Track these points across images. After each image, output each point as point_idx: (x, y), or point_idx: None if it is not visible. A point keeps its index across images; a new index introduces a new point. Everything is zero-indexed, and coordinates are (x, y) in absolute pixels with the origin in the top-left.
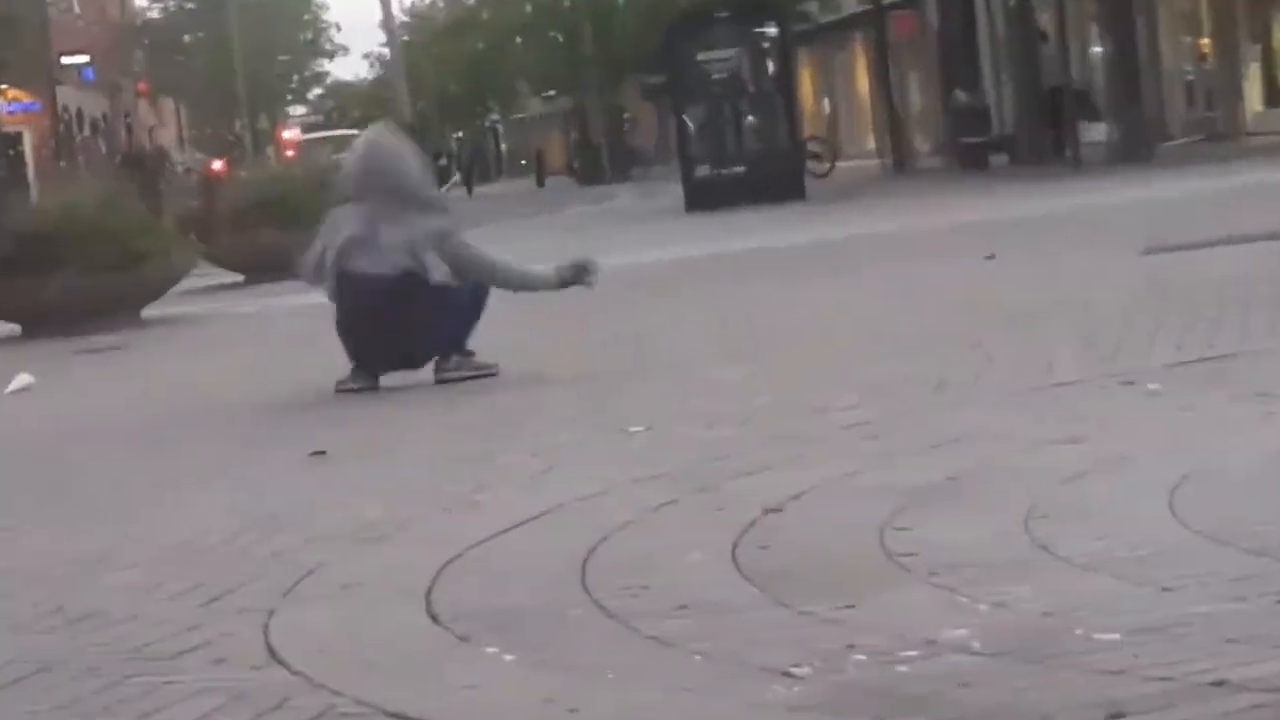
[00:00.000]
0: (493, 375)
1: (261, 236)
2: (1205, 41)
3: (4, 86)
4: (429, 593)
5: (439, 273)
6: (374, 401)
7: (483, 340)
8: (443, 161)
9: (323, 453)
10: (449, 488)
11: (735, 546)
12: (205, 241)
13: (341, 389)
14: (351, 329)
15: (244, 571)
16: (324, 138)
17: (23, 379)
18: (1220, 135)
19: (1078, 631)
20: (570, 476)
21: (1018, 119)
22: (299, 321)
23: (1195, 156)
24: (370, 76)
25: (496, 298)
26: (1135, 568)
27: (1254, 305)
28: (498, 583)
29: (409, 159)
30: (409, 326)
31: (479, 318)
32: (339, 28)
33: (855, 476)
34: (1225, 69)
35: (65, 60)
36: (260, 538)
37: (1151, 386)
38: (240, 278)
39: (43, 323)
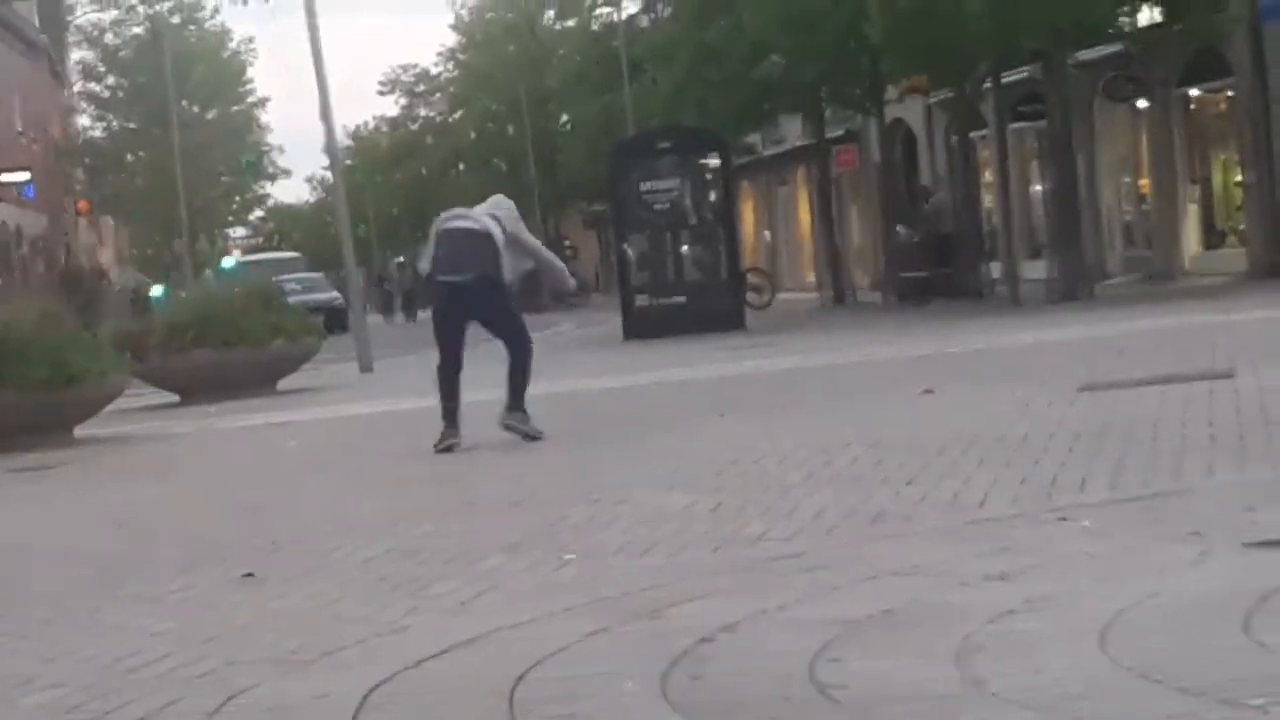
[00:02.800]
0: (539, 440)
1: (198, 357)
2: (1144, 182)
3: None
4: (356, 718)
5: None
6: (305, 525)
7: (404, 463)
8: (386, 286)
9: (252, 575)
10: (379, 613)
11: (666, 677)
12: (141, 360)
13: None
14: None
15: (170, 693)
16: (264, 260)
17: None
18: (1158, 275)
19: None
20: (502, 603)
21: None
22: (232, 443)
23: (1133, 296)
24: (312, 199)
25: None
26: (1066, 705)
27: (1188, 445)
28: (424, 710)
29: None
30: None
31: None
32: (282, 150)
33: (789, 608)
34: (1164, 210)
35: (5, 177)
36: (188, 659)
37: (1085, 523)
38: (175, 397)
39: None
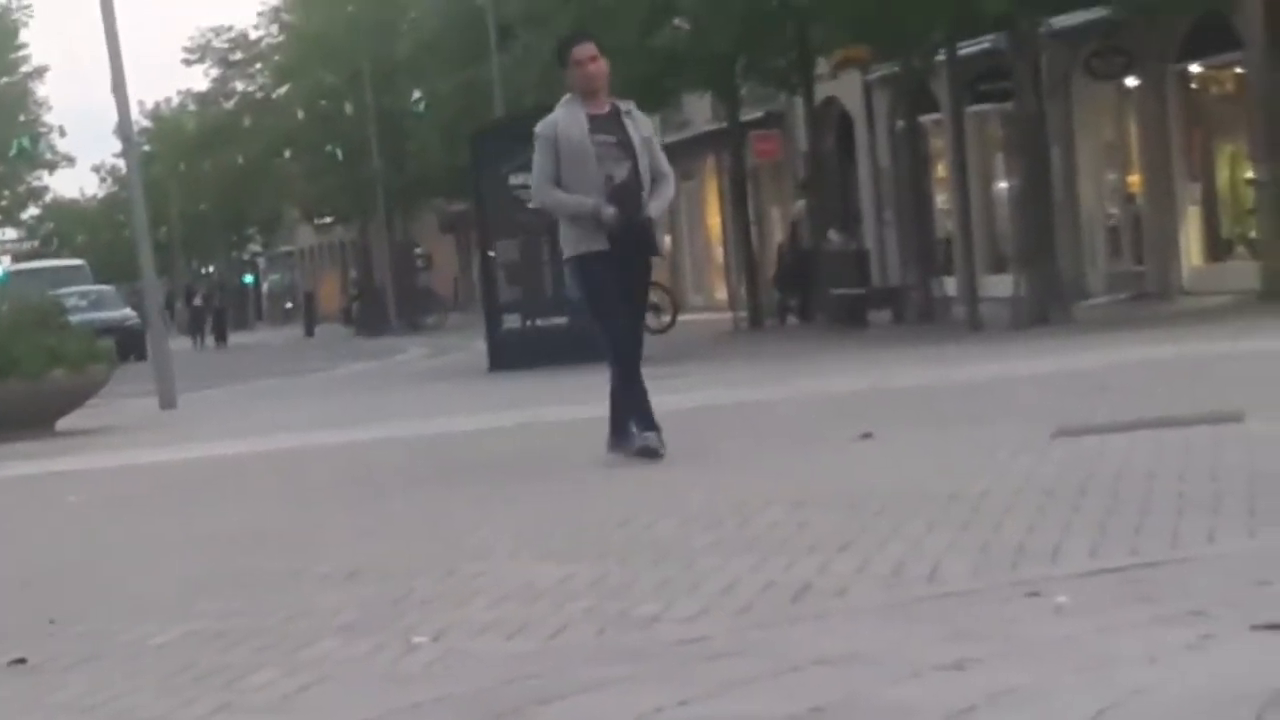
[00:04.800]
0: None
1: None
2: (1134, 179)
3: None
4: None
5: None
6: (90, 600)
7: (213, 521)
8: (197, 301)
9: (22, 661)
10: (180, 709)
11: None
12: None
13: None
14: None
15: None
16: (40, 269)
17: None
18: (1150, 294)
19: None
20: (333, 698)
21: (903, 269)
22: (5, 493)
23: (1119, 319)
24: (100, 193)
25: None
26: None
27: (1186, 504)
28: None
29: None
30: None
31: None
32: (63, 132)
33: (690, 705)
34: (1158, 214)
35: None
36: None
37: (1060, 599)
38: None
39: None
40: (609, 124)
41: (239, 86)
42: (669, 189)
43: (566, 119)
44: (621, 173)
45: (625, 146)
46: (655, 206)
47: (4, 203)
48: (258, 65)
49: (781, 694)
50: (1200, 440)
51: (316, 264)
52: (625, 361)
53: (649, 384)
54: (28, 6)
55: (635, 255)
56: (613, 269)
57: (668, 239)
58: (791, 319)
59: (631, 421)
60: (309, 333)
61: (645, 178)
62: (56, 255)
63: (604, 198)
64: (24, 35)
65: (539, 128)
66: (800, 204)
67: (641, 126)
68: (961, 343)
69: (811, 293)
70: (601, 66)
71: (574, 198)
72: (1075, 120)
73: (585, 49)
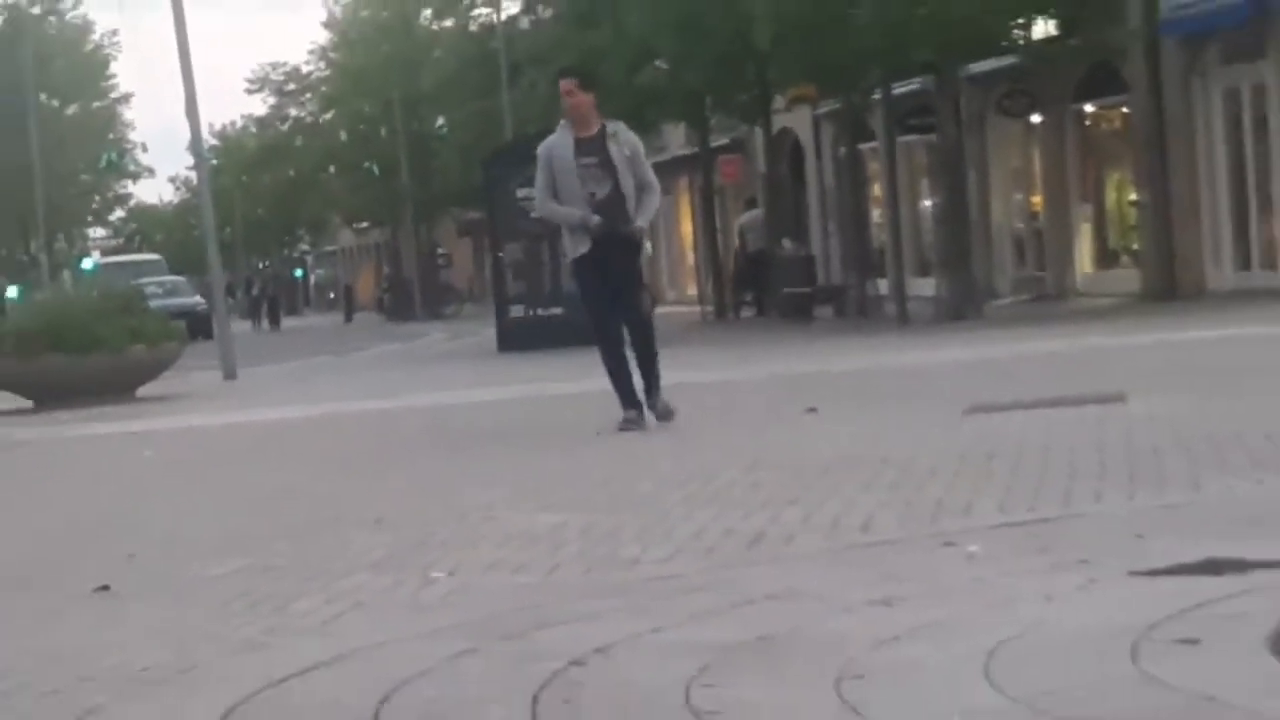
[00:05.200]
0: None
1: (53, 361)
2: (1037, 199)
3: None
4: None
5: None
6: (161, 538)
7: (265, 476)
8: (255, 291)
9: (106, 588)
10: (237, 630)
11: (536, 700)
12: None
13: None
14: None
15: (15, 711)
16: (124, 262)
17: None
18: (1050, 296)
19: None
20: (365, 622)
21: (844, 271)
22: (87, 452)
23: (1023, 316)
24: (175, 200)
25: None
26: None
27: (1077, 470)
28: None
29: None
30: None
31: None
32: (145, 148)
33: (663, 631)
34: (1056, 228)
35: None
36: (35, 677)
37: (971, 548)
38: (29, 404)
39: None
40: (593, 146)
41: (292, 112)
42: (653, 199)
43: (558, 142)
44: (603, 190)
45: (607, 166)
46: (643, 216)
47: (95, 206)
48: (308, 95)
49: (738, 624)
50: (1089, 417)
51: (355, 261)
52: (606, 344)
53: (634, 365)
54: (116, 43)
55: (620, 259)
56: (599, 270)
57: (648, 245)
58: (746, 312)
59: (640, 390)
60: (348, 319)
61: (629, 192)
62: (138, 251)
63: (589, 211)
64: (114, 67)
65: (539, 149)
66: (747, 216)
67: (625, 145)
68: (891, 334)
69: (765, 290)
70: (579, 99)
71: (565, 210)
72: (988, 150)
73: (564, 84)
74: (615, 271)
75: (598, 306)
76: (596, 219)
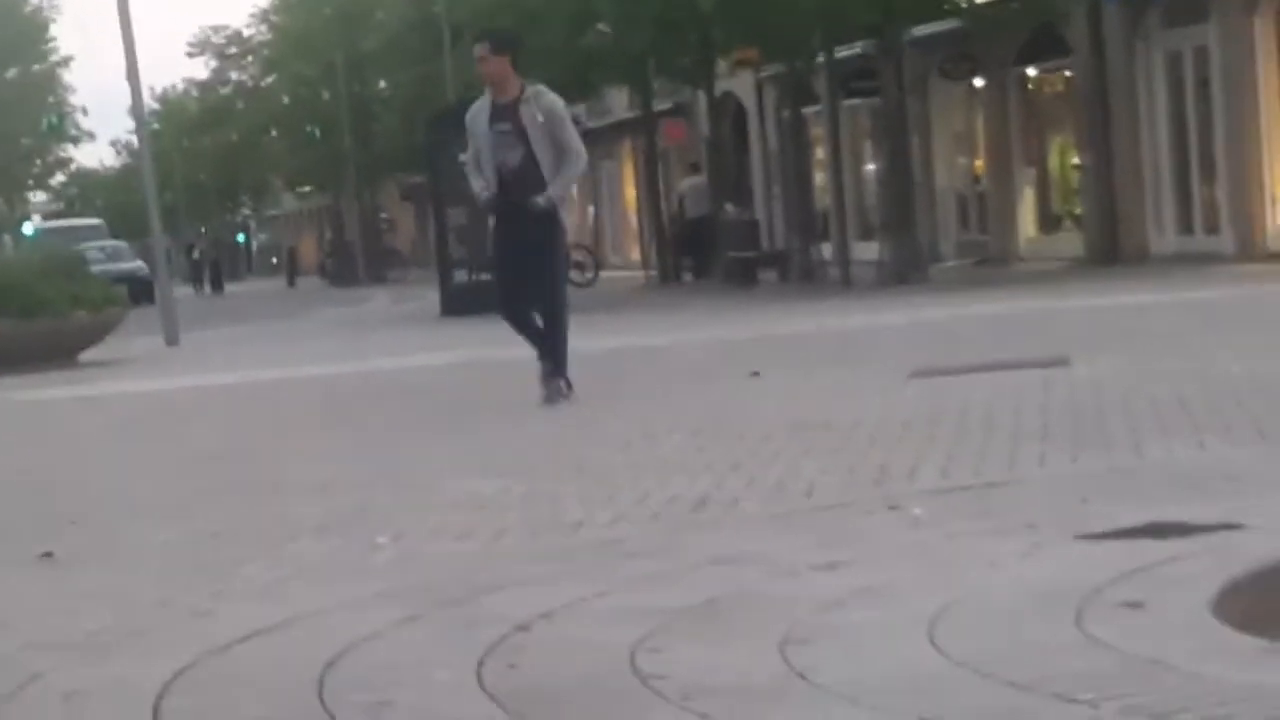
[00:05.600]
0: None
1: None
2: (980, 163)
3: None
4: (156, 705)
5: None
6: (104, 504)
7: (207, 441)
8: (196, 255)
9: (50, 554)
10: (182, 596)
11: (481, 664)
12: None
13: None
14: None
15: None
16: (65, 227)
17: None
18: (992, 259)
19: None
20: (310, 588)
21: (788, 235)
22: (28, 417)
23: (967, 280)
24: (117, 164)
25: None
26: (893, 698)
27: (1021, 434)
28: (229, 696)
29: None
30: None
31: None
32: (85, 112)
33: (608, 596)
34: (999, 192)
35: None
36: None
37: (916, 512)
38: None
39: None
40: (507, 112)
41: (233, 76)
42: (572, 168)
43: (477, 109)
44: (514, 159)
45: (519, 133)
46: (557, 185)
47: (36, 171)
48: (249, 58)
49: (684, 588)
50: (1032, 381)
51: (297, 225)
52: (503, 310)
53: (578, 330)
54: (56, 5)
55: (530, 234)
56: (506, 239)
57: (591, 209)
58: (687, 276)
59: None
60: (291, 283)
61: (547, 160)
62: (79, 216)
63: (495, 181)
64: (53, 29)
65: (466, 117)
66: (687, 182)
67: (541, 110)
68: (835, 298)
69: (706, 256)
70: (490, 64)
71: (475, 181)
72: (931, 114)
73: (477, 49)
74: (526, 248)
75: (501, 287)
76: (486, 194)
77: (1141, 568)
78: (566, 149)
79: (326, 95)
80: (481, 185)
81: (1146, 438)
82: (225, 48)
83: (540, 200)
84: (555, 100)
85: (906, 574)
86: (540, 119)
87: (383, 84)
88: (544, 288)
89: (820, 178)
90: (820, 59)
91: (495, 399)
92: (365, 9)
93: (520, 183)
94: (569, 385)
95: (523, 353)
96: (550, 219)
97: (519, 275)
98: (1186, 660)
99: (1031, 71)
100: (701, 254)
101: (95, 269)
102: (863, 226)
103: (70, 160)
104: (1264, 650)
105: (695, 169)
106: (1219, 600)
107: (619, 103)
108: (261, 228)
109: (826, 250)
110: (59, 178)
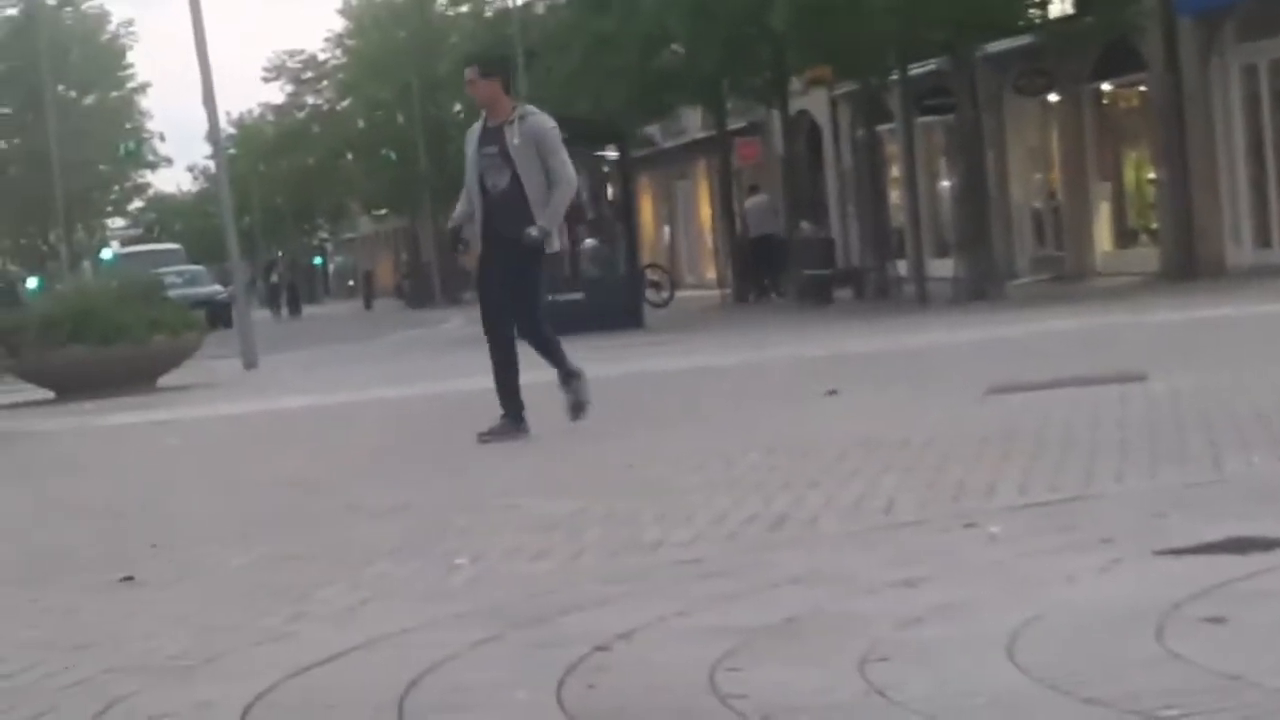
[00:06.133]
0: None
1: (75, 353)
2: (1055, 178)
3: None
4: None
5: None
6: (183, 527)
7: (286, 464)
8: (274, 279)
9: (131, 578)
10: (262, 619)
11: (561, 685)
12: (15, 356)
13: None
14: None
15: (41, 701)
16: (143, 252)
17: None
18: (1068, 275)
19: None
20: (389, 609)
21: (863, 253)
22: (109, 442)
23: (1043, 296)
24: (194, 189)
25: None
26: (973, 715)
27: (1098, 449)
28: (311, 719)
29: None
30: None
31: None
32: (163, 138)
33: (686, 615)
34: (1075, 207)
35: None
36: (60, 667)
37: (993, 529)
38: (50, 394)
39: None
40: (495, 135)
41: (309, 100)
42: (560, 195)
43: (471, 131)
44: (502, 182)
45: (506, 157)
46: (546, 217)
47: (114, 196)
48: (324, 82)
49: (762, 607)
50: (1109, 396)
51: (373, 248)
52: (486, 334)
53: (654, 349)
54: (133, 33)
55: (511, 265)
56: (488, 266)
57: (666, 229)
58: (751, 295)
59: (561, 369)
60: (368, 306)
61: (530, 184)
62: (157, 241)
63: (481, 206)
64: (130, 56)
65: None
66: (750, 201)
67: (527, 132)
68: (911, 315)
69: (775, 274)
70: (479, 87)
71: (459, 209)
72: (1006, 130)
73: (466, 72)
74: (507, 279)
75: (485, 316)
76: (452, 223)
77: (1222, 583)
78: (554, 176)
79: (401, 118)
80: (456, 215)
81: (1225, 452)
82: (301, 72)
83: (532, 232)
84: (542, 122)
85: (985, 591)
86: (518, 142)
87: (457, 107)
88: (528, 335)
89: (895, 195)
90: (894, 76)
91: (567, 420)
92: (439, 33)
93: (505, 207)
94: (586, 391)
95: (605, 370)
96: (532, 252)
97: (500, 301)
98: (1269, 676)
99: (1106, 86)
100: (769, 272)
101: (173, 294)
102: (938, 243)
103: (148, 186)
104: None
105: (755, 190)
106: None
107: (693, 122)
108: (338, 250)
109: (902, 267)
110: (137, 203)
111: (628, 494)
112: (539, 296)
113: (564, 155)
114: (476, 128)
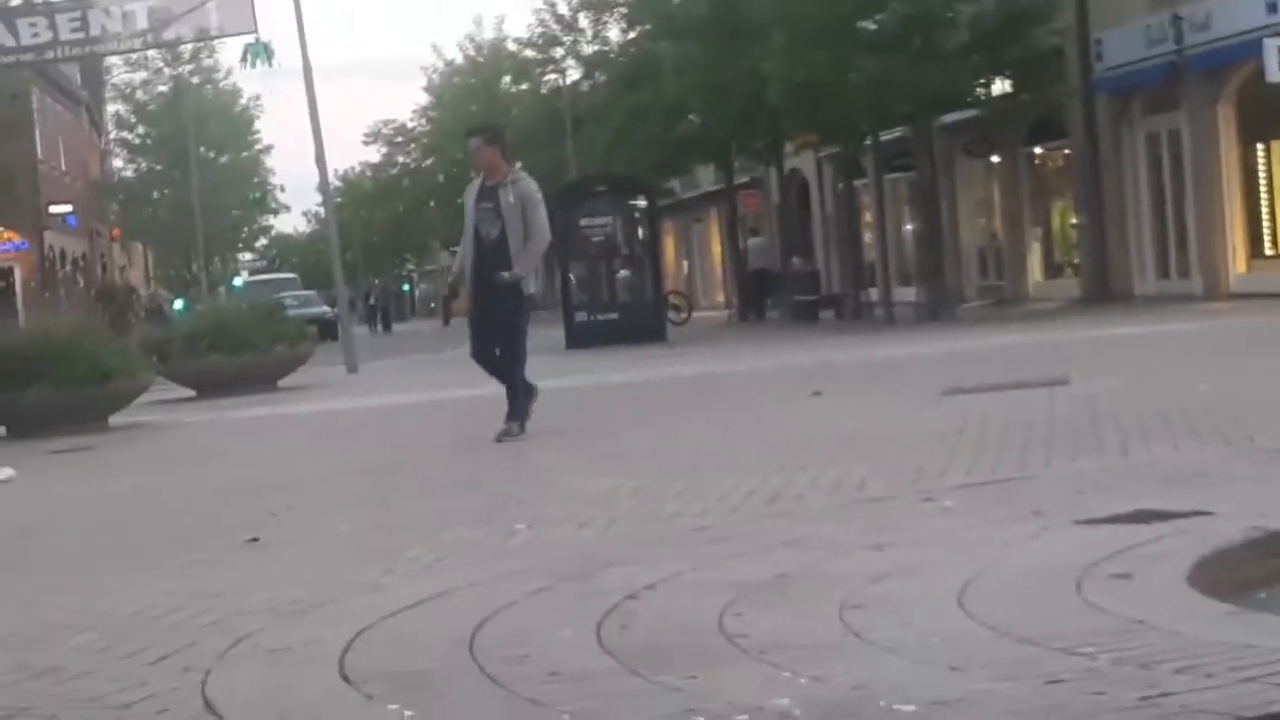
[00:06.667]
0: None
1: (212, 360)
2: (997, 223)
3: (0, 229)
4: (342, 659)
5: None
6: (298, 499)
7: (383, 449)
8: (371, 301)
9: (256, 540)
10: (360, 573)
11: (599, 626)
12: (164, 362)
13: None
14: None
15: (186, 637)
16: (267, 279)
17: (5, 471)
18: (1008, 300)
19: (881, 703)
20: (461, 566)
21: (842, 282)
22: (240, 431)
23: (987, 317)
24: (307, 230)
25: None
26: (930, 652)
27: (1031, 440)
28: (399, 652)
29: None
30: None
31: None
32: (283, 189)
33: (699, 571)
34: (1012, 246)
35: (52, 209)
36: (200, 611)
37: (946, 504)
38: (192, 393)
39: (23, 426)
40: (491, 193)
41: (400, 159)
42: (534, 246)
43: (470, 187)
44: (494, 232)
45: (497, 212)
46: (520, 264)
47: (244, 236)
48: (412, 145)
49: (760, 565)
50: (1040, 397)
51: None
52: (475, 359)
53: (674, 359)
54: (260, 105)
55: (495, 305)
56: (479, 303)
57: (685, 262)
58: (750, 316)
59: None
60: (446, 323)
61: (514, 236)
62: (278, 271)
63: (474, 252)
64: (257, 124)
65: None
66: (752, 241)
67: (516, 195)
68: (881, 332)
69: (774, 299)
70: (484, 153)
71: (459, 257)
72: (957, 185)
73: (472, 141)
74: (492, 317)
75: (474, 348)
76: (451, 276)
77: (1129, 547)
78: (532, 230)
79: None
80: (454, 269)
81: (1132, 442)
82: (393, 137)
83: (505, 275)
84: (529, 186)
85: (939, 553)
86: (512, 200)
87: (519, 164)
88: (505, 373)
89: (868, 236)
90: (868, 142)
91: (609, 415)
92: (504, 105)
93: (495, 253)
94: (521, 427)
95: (635, 376)
96: (515, 292)
97: (487, 334)
98: (1167, 621)
99: (1038, 150)
100: (766, 297)
101: (291, 313)
102: (903, 275)
103: (271, 227)
104: (1229, 613)
105: (755, 232)
106: (1193, 572)
107: (707, 178)
108: (422, 279)
109: (873, 294)
110: (262, 241)
111: (652, 474)
112: (521, 344)
113: (543, 214)
114: (475, 185)
